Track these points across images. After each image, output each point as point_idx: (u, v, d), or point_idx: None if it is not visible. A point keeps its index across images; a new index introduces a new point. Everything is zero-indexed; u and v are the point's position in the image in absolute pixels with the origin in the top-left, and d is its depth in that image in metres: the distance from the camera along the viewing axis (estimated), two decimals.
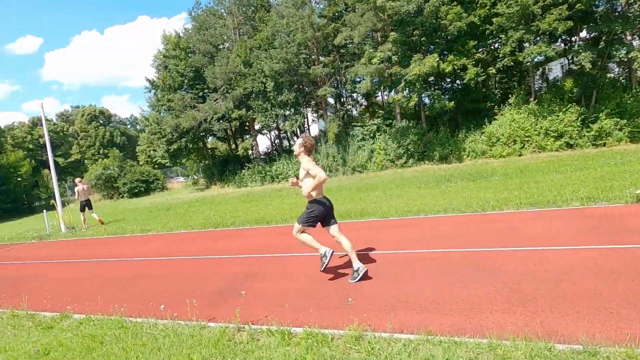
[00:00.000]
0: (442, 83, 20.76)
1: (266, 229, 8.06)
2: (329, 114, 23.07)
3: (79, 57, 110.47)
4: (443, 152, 17.30)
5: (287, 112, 22.50)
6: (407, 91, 17.76)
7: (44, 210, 13.36)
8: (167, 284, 5.10)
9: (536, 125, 15.40)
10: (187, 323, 3.54)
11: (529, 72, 17.51)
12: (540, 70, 19.39)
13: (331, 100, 24.45)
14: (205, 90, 24.36)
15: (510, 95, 17.31)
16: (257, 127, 26.10)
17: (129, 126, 60.84)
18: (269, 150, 27.51)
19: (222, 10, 25.02)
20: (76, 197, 12.65)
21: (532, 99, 16.34)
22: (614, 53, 15.05)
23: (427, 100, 19.38)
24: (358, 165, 19.21)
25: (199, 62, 23.49)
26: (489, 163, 15.01)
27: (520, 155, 15.47)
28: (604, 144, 14.24)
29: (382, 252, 5.13)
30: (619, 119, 14.15)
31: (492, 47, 17.95)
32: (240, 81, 21.96)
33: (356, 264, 4.12)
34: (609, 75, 16.94)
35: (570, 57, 16.82)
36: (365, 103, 25.22)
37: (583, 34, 16.78)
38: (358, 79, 20.99)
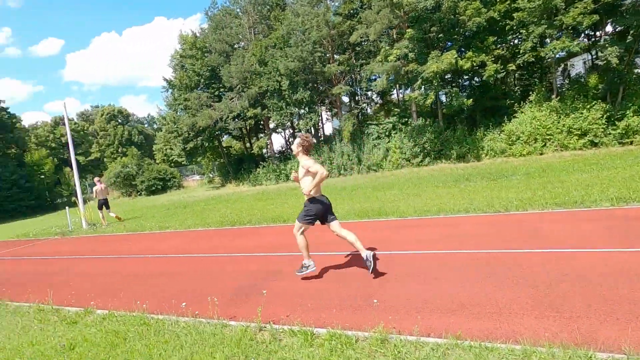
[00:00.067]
0: (460, 80, 20.36)
1: (283, 228, 8.04)
2: (343, 112, 22.95)
3: (98, 58, 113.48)
4: (460, 150, 16.97)
5: (302, 111, 22.50)
6: (423, 89, 17.48)
7: (66, 207, 13.71)
8: (186, 281, 5.13)
9: (558, 123, 14.92)
10: (209, 321, 3.54)
11: (550, 68, 16.99)
12: (562, 66, 18.80)
13: (345, 99, 24.33)
14: (221, 89, 24.59)
15: (530, 93, 16.83)
16: (271, 125, 26.20)
17: (146, 125, 62.04)
18: (284, 149, 27.58)
19: (238, 10, 25.20)
20: (94, 195, 12.91)
21: (554, 96, 15.85)
22: None
23: (444, 98, 19.04)
24: (373, 164, 19.04)
25: (215, 62, 23.72)
26: (509, 162, 14.64)
27: (541, 154, 15.03)
28: (631, 142, 13.68)
29: (404, 252, 5.03)
30: None
31: (512, 43, 17.49)
32: (256, 80, 22.07)
33: (364, 253, 4.13)
34: (636, 70, 16.27)
35: (594, 53, 16.24)
36: (379, 101, 25.00)
37: (608, 28, 16.17)
38: (373, 77, 20.80)
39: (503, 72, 16.90)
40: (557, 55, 15.85)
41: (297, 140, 4.30)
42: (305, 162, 4.17)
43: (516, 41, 17.23)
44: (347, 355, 2.66)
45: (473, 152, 16.71)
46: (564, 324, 2.73)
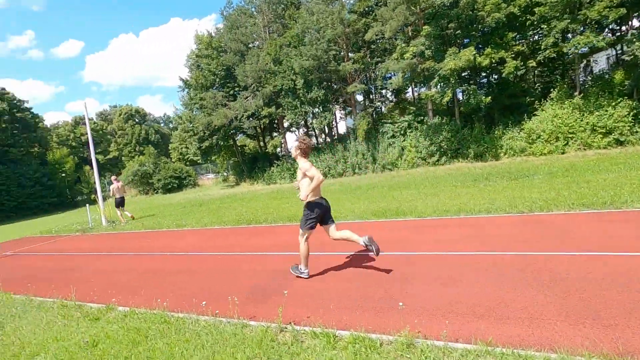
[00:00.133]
0: (477, 77, 19.91)
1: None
2: (357, 110, 22.79)
3: (116, 59, 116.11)
4: (478, 149, 16.60)
5: (316, 110, 22.44)
6: (440, 86, 17.17)
7: (87, 205, 14.03)
8: (205, 279, 5.14)
9: (581, 121, 14.42)
10: (229, 321, 3.51)
11: (573, 64, 16.43)
12: (584, 62, 18.17)
13: (359, 97, 24.15)
14: (236, 89, 24.76)
15: (551, 90, 16.30)
16: (285, 124, 26.24)
17: (162, 124, 63.13)
18: None
19: (253, 9, 25.32)
20: (110, 194, 13.12)
21: (576, 93, 15.32)
22: None
23: (461, 96, 18.66)
24: (388, 163, 18.83)
25: (230, 61, 23.90)
26: (529, 161, 14.23)
27: (563, 152, 14.56)
28: None
29: (425, 253, 4.91)
30: None
31: (533, 39, 16.98)
32: (270, 79, 22.12)
33: (361, 240, 4.09)
34: None
35: (619, 48, 15.63)
36: (394, 100, 24.71)
37: (635, 22, 15.54)
38: (389, 75, 20.55)
39: (523, 69, 16.42)
40: (580, 51, 15.32)
41: (295, 143, 4.32)
42: (304, 164, 4.16)
43: (537, 37, 16.72)
44: None
45: (491, 151, 16.32)
46: (602, 332, 2.59)
